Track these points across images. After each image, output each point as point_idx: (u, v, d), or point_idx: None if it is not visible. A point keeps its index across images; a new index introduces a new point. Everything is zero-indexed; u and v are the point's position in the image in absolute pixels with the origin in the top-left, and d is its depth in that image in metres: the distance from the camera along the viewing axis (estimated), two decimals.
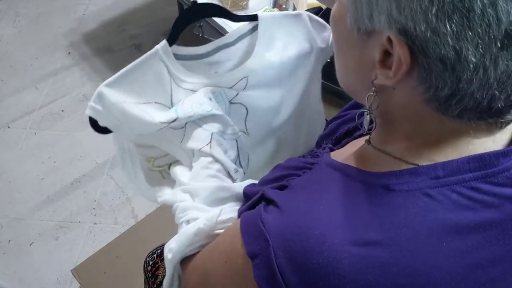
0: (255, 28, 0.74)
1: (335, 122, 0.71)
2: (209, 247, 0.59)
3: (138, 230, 1.48)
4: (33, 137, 1.99)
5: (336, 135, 0.68)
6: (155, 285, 0.87)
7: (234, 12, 1.32)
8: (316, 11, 1.11)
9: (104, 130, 0.71)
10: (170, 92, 0.71)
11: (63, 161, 1.90)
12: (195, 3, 0.72)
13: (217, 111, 0.69)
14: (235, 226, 0.53)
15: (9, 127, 2.03)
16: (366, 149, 0.52)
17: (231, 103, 0.73)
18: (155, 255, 0.91)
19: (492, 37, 0.35)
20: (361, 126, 0.51)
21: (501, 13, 0.34)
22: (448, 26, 0.35)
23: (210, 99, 0.70)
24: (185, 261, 0.62)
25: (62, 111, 2.07)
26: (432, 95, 0.40)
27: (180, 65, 0.71)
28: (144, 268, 0.91)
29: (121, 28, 2.39)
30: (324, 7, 1.12)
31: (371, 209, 0.43)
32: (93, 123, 0.70)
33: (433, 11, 0.35)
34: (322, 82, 0.82)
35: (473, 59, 0.36)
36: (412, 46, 0.38)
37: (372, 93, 0.45)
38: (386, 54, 0.41)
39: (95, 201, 1.78)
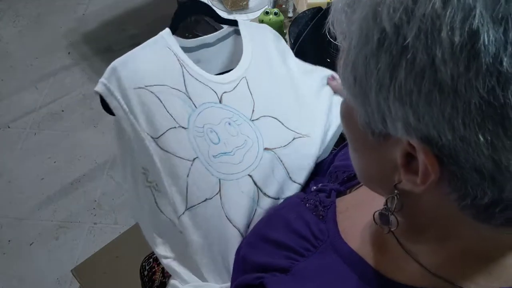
0: (232, 33, 0.82)
1: (344, 153, 0.61)
2: None
3: (138, 230, 1.47)
4: (33, 137, 1.99)
5: (345, 176, 0.60)
6: None
7: (235, 13, 1.33)
8: (316, 11, 1.11)
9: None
10: (183, 81, 0.69)
11: (63, 161, 1.90)
12: None
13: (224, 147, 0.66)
14: None
15: (9, 127, 2.03)
16: (388, 243, 0.45)
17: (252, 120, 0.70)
18: (151, 260, 0.90)
19: None
20: (382, 223, 0.43)
21: None
22: (480, 136, 0.29)
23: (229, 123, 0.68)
24: None
25: (62, 111, 2.07)
26: (469, 204, 0.34)
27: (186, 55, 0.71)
28: (140, 273, 0.90)
29: (121, 28, 2.38)
30: (324, 7, 1.12)
31: None
32: (103, 99, 0.69)
33: (460, 119, 0.29)
34: None
35: None
36: (440, 155, 0.32)
37: (394, 196, 0.39)
38: (409, 157, 0.34)
39: (95, 201, 1.78)
